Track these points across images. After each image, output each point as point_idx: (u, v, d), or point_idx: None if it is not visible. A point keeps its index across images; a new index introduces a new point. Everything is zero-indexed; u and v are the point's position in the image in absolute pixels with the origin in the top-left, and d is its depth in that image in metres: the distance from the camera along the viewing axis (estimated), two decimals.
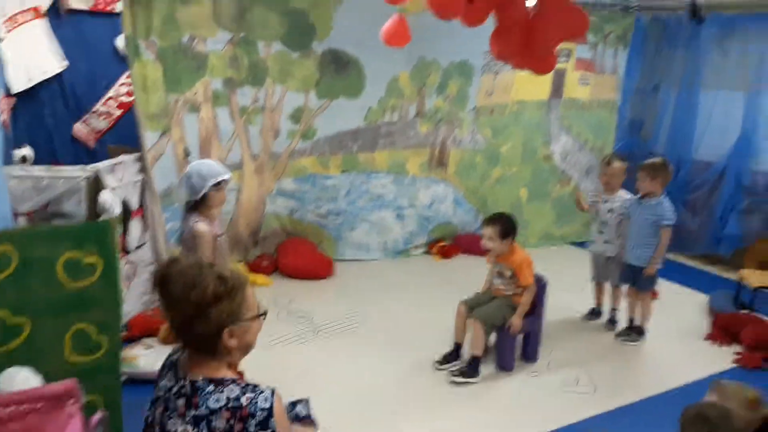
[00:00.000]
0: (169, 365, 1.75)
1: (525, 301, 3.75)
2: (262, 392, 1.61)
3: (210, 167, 3.06)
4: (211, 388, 1.60)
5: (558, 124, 6.23)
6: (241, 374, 1.76)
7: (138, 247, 4.23)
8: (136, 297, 4.14)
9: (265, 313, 1.76)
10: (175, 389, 1.65)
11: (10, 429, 1.53)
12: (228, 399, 1.57)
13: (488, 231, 3.69)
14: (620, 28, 6.19)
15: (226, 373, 1.66)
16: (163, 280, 1.61)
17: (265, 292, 4.82)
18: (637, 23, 6.28)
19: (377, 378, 3.68)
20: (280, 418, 1.61)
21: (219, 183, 3.04)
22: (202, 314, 1.59)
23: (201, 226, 3.00)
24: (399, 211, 5.81)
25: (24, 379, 1.75)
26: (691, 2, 5.50)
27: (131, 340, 3.80)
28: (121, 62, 5.31)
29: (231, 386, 1.61)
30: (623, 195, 4.32)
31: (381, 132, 5.54)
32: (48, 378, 2.07)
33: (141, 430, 1.73)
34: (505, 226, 3.70)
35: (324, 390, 3.46)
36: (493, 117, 5.93)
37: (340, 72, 5.19)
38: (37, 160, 5.16)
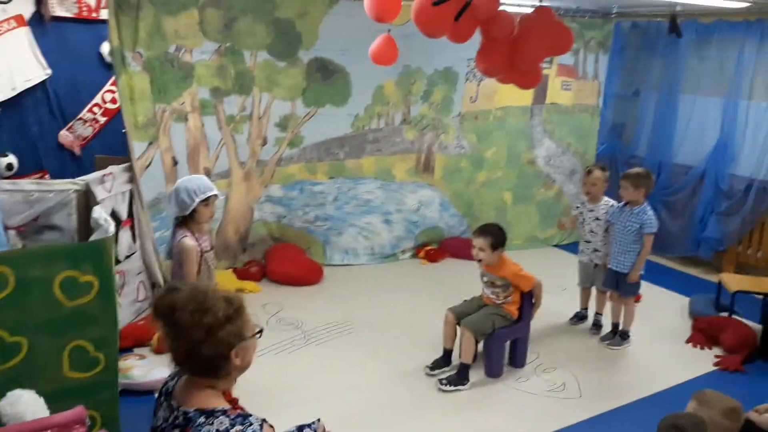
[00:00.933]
0: (165, 393, 1.76)
1: (537, 295, 3.86)
2: (251, 424, 1.61)
3: (198, 183, 3.09)
4: (202, 419, 1.60)
5: (541, 128, 6.33)
6: (235, 401, 1.76)
7: (128, 257, 4.23)
8: (126, 306, 4.14)
9: (261, 331, 1.80)
10: (170, 420, 1.67)
11: None
12: None
13: (479, 242, 3.72)
14: (600, 34, 6.30)
15: (218, 403, 1.66)
16: (168, 309, 1.62)
17: (255, 298, 4.83)
18: (617, 29, 6.40)
19: (368, 384, 3.72)
20: None
21: (207, 199, 3.07)
22: (211, 338, 1.60)
23: (187, 241, 3.03)
24: (386, 216, 5.86)
25: (26, 402, 1.77)
26: (671, 17, 5.60)
27: (124, 350, 3.79)
28: (105, 69, 5.30)
29: (221, 418, 1.60)
30: (607, 202, 4.41)
31: (368, 138, 5.59)
32: (47, 395, 2.08)
33: None
34: (496, 237, 3.72)
35: (315, 398, 3.50)
36: (477, 123, 6.00)
37: (326, 80, 5.23)
38: (23, 168, 5.14)
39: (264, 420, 1.65)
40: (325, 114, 5.31)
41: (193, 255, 3.07)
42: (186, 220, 3.09)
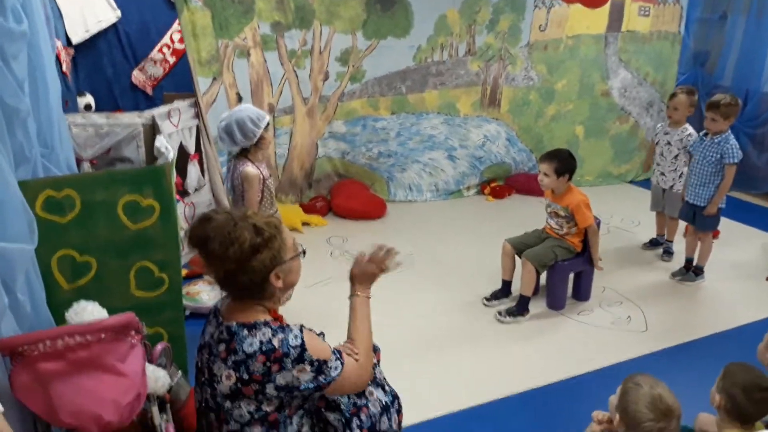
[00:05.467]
0: (214, 312, 1.84)
1: (592, 240, 3.72)
2: (291, 331, 1.67)
3: (255, 111, 3.15)
4: (245, 332, 1.67)
5: (616, 58, 5.97)
6: (279, 317, 1.82)
7: (197, 190, 4.38)
8: None
9: (304, 252, 1.83)
10: (216, 335, 1.74)
11: (78, 357, 1.66)
12: (261, 343, 1.64)
13: (544, 166, 3.61)
14: None
15: (260, 317, 1.72)
16: (201, 240, 1.66)
17: (320, 232, 4.94)
18: None
19: (426, 314, 3.75)
20: (313, 347, 1.68)
21: (267, 124, 3.14)
22: (243, 267, 1.64)
23: (251, 169, 3.10)
24: (450, 152, 5.78)
25: (91, 312, 1.89)
26: None
27: (194, 277, 3.99)
28: (172, 10, 5.37)
29: (263, 329, 1.67)
30: (686, 130, 4.20)
31: (430, 71, 5.46)
32: (116, 311, 2.21)
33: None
34: (563, 162, 3.59)
35: (376, 325, 3.56)
36: (547, 52, 5.73)
37: (386, 11, 5.10)
38: (99, 108, 5.36)
39: (302, 326, 1.71)
40: (386, 46, 5.21)
41: (257, 182, 3.15)
42: (245, 151, 3.15)
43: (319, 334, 1.89)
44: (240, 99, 4.79)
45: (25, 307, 1.87)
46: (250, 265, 1.65)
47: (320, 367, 1.68)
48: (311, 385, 1.67)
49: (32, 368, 1.63)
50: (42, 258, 2.12)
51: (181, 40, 5.43)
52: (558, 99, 5.92)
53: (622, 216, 5.26)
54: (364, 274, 1.98)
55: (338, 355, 1.78)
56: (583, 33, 5.77)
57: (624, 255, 4.58)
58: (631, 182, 6.33)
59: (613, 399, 1.97)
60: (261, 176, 3.19)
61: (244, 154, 3.19)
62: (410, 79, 5.42)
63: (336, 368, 1.72)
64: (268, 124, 3.14)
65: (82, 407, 1.64)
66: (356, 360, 1.83)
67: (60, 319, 2.02)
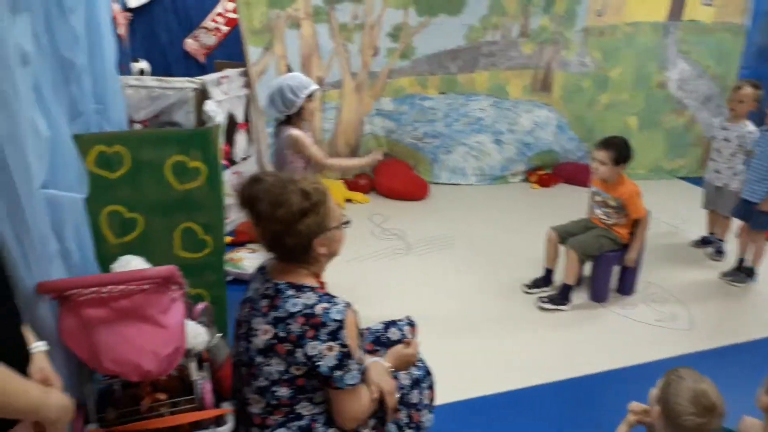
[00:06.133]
0: (260, 269, 1.86)
1: (640, 233, 3.60)
2: (336, 304, 1.65)
3: (300, 79, 3.12)
4: (291, 292, 1.68)
5: (675, 48, 5.76)
6: (323, 284, 1.83)
7: (244, 159, 4.43)
8: None
9: (348, 222, 1.82)
10: (261, 290, 1.75)
11: (121, 305, 1.70)
12: (304, 305, 1.64)
13: (601, 154, 3.49)
14: None
15: (309, 281, 1.73)
16: (250, 200, 1.66)
17: (362, 209, 4.94)
18: None
19: (464, 296, 3.72)
20: (350, 332, 1.66)
21: (311, 94, 3.10)
22: (290, 229, 1.65)
23: (295, 131, 3.10)
24: (498, 136, 5.69)
25: (135, 266, 1.93)
26: None
27: (238, 244, 4.04)
28: None
29: (309, 293, 1.67)
30: (745, 126, 4.01)
31: (482, 52, 5.36)
32: None
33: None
34: (621, 151, 3.48)
35: (412, 303, 3.56)
36: (603, 38, 5.57)
37: None
38: (154, 74, 5.44)
39: (349, 304, 1.69)
40: (438, 24, 5.14)
41: (308, 140, 3.14)
42: (290, 119, 3.15)
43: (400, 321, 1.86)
44: (289, 71, 4.79)
45: (74, 256, 1.92)
46: (296, 228, 1.65)
47: (344, 357, 1.64)
48: (325, 371, 1.63)
49: (78, 313, 1.67)
50: (92, 212, 2.17)
51: (235, 10, 5.46)
52: (612, 87, 5.75)
53: (673, 212, 5.10)
54: (399, 361, 1.93)
55: (362, 369, 1.72)
56: (642, 20, 5.58)
57: (672, 252, 4.44)
58: (683, 178, 6.13)
59: (654, 392, 1.91)
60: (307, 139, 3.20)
61: (289, 121, 3.19)
62: (461, 59, 5.34)
63: (354, 377, 1.66)
64: (311, 94, 3.11)
65: (123, 355, 1.67)
66: (372, 397, 1.76)
67: (106, 271, 2.07)
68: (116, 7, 4.57)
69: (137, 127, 3.55)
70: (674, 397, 1.78)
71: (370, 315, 1.93)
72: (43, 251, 1.67)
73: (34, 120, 1.66)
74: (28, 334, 1.33)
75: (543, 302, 3.60)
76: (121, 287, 1.68)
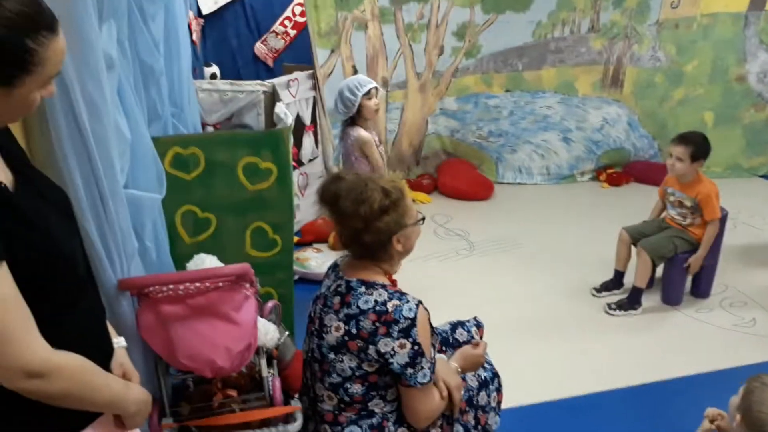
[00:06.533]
0: (333, 267, 1.90)
1: (709, 236, 3.44)
2: (408, 302, 1.67)
3: (358, 79, 3.22)
4: (363, 289, 1.71)
5: (757, 39, 5.46)
6: (394, 282, 1.85)
7: (310, 160, 4.51)
8: (308, 206, 4.43)
9: (423, 219, 1.83)
10: (333, 287, 1.79)
11: (196, 302, 1.76)
12: (376, 302, 1.67)
13: (678, 150, 3.35)
14: None
15: (379, 278, 1.76)
16: (332, 197, 1.71)
17: (425, 209, 4.93)
18: None
19: (529, 298, 3.66)
20: (422, 330, 1.67)
21: (369, 92, 3.15)
22: (370, 227, 1.68)
23: (363, 133, 3.16)
24: (565, 134, 5.56)
25: (209, 264, 2.00)
26: None
27: (304, 244, 4.12)
28: None
29: (380, 290, 1.70)
30: None
31: (549, 48, 5.25)
32: None
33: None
34: (698, 146, 3.33)
35: (476, 304, 3.52)
36: (678, 31, 5.35)
37: None
38: (223, 78, 5.62)
39: (420, 301, 1.70)
40: (505, 21, 5.06)
41: (374, 144, 3.21)
42: (354, 120, 3.21)
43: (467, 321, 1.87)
44: (355, 72, 4.84)
45: (152, 254, 2.00)
46: (376, 225, 1.68)
47: (416, 355, 1.65)
48: (397, 369, 1.65)
49: (156, 309, 1.75)
50: (168, 211, 2.25)
51: (303, 14, 5.57)
52: (687, 82, 5.52)
53: (752, 212, 4.86)
54: (467, 362, 1.93)
55: (433, 367, 1.73)
56: (721, 11, 5.32)
57: (751, 253, 4.22)
58: (763, 176, 5.82)
59: (735, 399, 1.83)
60: (374, 141, 3.26)
61: (354, 121, 3.26)
62: (527, 56, 5.26)
63: (425, 375, 1.68)
64: (369, 91, 3.16)
65: (197, 351, 1.74)
66: (441, 396, 1.77)
67: (181, 269, 2.15)
68: (190, 13, 4.74)
69: (210, 130, 3.67)
70: (758, 405, 1.70)
71: (436, 315, 1.93)
72: (125, 249, 1.76)
73: (118, 122, 1.75)
74: (111, 329, 1.40)
75: (611, 309, 3.49)
76: (197, 284, 1.74)
